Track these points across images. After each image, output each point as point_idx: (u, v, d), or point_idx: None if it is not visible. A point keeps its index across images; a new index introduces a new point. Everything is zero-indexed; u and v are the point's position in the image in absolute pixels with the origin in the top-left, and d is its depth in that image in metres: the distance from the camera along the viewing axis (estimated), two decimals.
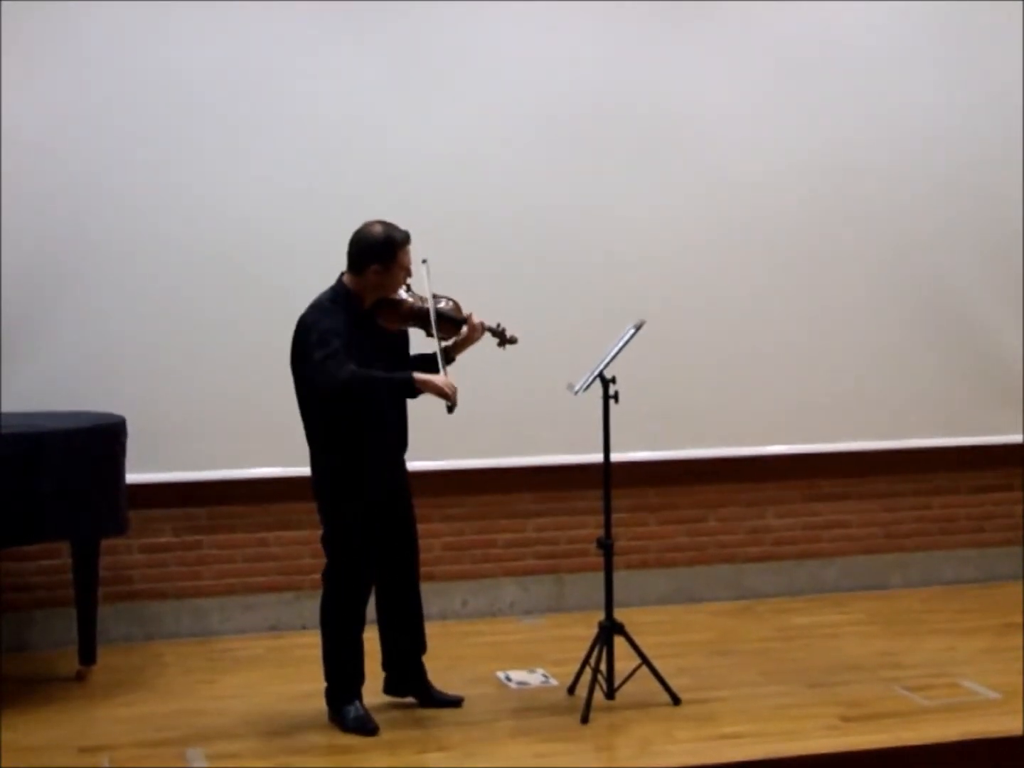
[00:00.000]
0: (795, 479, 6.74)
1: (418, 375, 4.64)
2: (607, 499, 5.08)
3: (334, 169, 6.05)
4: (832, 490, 6.81)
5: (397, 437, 4.88)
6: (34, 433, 5.04)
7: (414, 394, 4.74)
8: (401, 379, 4.65)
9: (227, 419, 5.96)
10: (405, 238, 4.72)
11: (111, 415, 5.50)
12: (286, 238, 6.00)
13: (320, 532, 4.86)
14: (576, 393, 4.96)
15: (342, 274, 4.80)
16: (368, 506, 4.76)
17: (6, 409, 5.56)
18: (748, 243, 6.51)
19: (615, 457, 5.10)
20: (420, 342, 4.95)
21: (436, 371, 4.71)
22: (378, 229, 4.71)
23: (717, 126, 6.47)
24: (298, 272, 5.97)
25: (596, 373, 4.97)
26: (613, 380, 4.98)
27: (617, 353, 5.02)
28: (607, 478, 5.07)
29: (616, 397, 4.98)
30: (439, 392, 4.61)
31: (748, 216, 6.50)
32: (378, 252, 4.68)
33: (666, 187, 6.41)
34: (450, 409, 4.62)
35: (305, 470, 5.95)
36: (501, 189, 6.21)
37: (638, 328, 5.10)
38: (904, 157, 6.68)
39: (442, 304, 4.83)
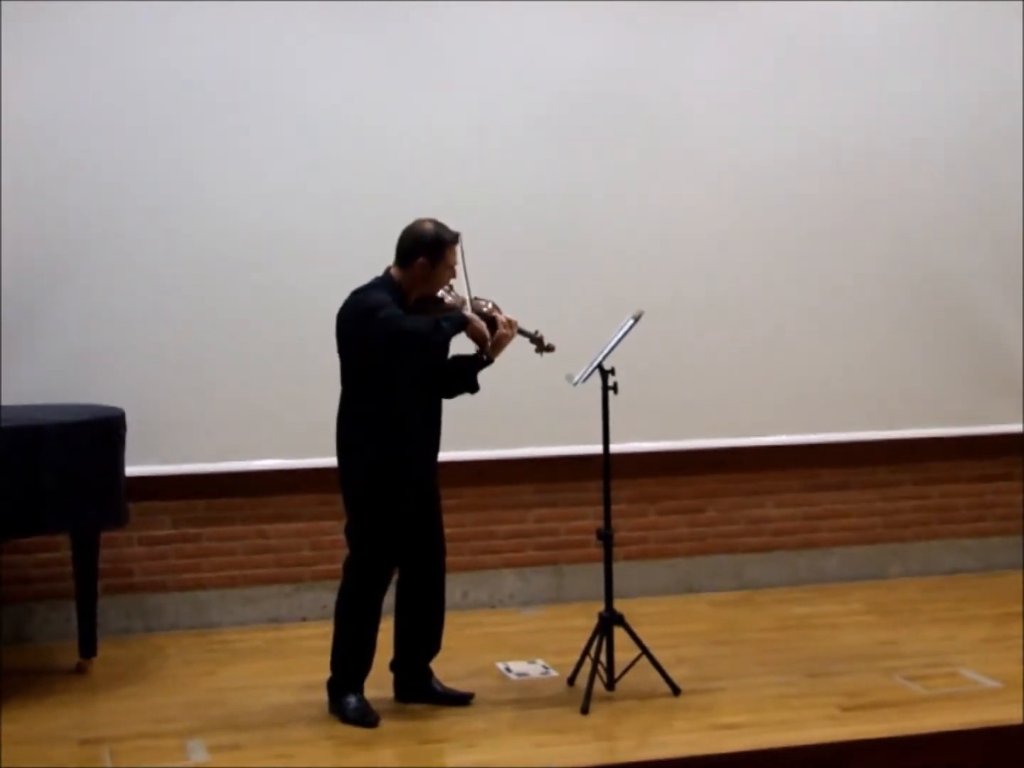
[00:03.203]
0: (795, 469, 6.74)
1: (469, 315, 4.74)
2: (607, 490, 5.09)
3: (334, 164, 6.04)
4: (832, 480, 6.81)
5: (429, 437, 4.90)
6: (34, 426, 5.04)
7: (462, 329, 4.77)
8: (457, 318, 4.69)
9: (226, 412, 5.96)
10: (454, 238, 4.80)
11: (110, 408, 5.50)
12: (286, 232, 6.00)
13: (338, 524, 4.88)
14: (575, 384, 4.96)
15: (388, 268, 4.85)
16: (394, 502, 4.77)
17: (6, 402, 5.57)
18: (748, 235, 6.51)
19: (614, 448, 5.10)
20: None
21: (474, 373, 4.82)
22: (429, 226, 4.80)
23: (717, 118, 6.46)
24: (298, 266, 6.01)
25: (595, 364, 4.97)
26: (612, 371, 4.98)
27: (616, 344, 5.02)
28: (607, 469, 5.07)
29: (615, 388, 4.98)
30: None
31: (748, 208, 6.50)
32: (427, 247, 4.75)
33: (663, 180, 6.41)
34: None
35: (304, 462, 6.03)
36: (502, 182, 6.20)
37: (637, 319, 5.10)
38: (904, 148, 6.68)
39: (481, 305, 4.88)
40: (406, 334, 4.60)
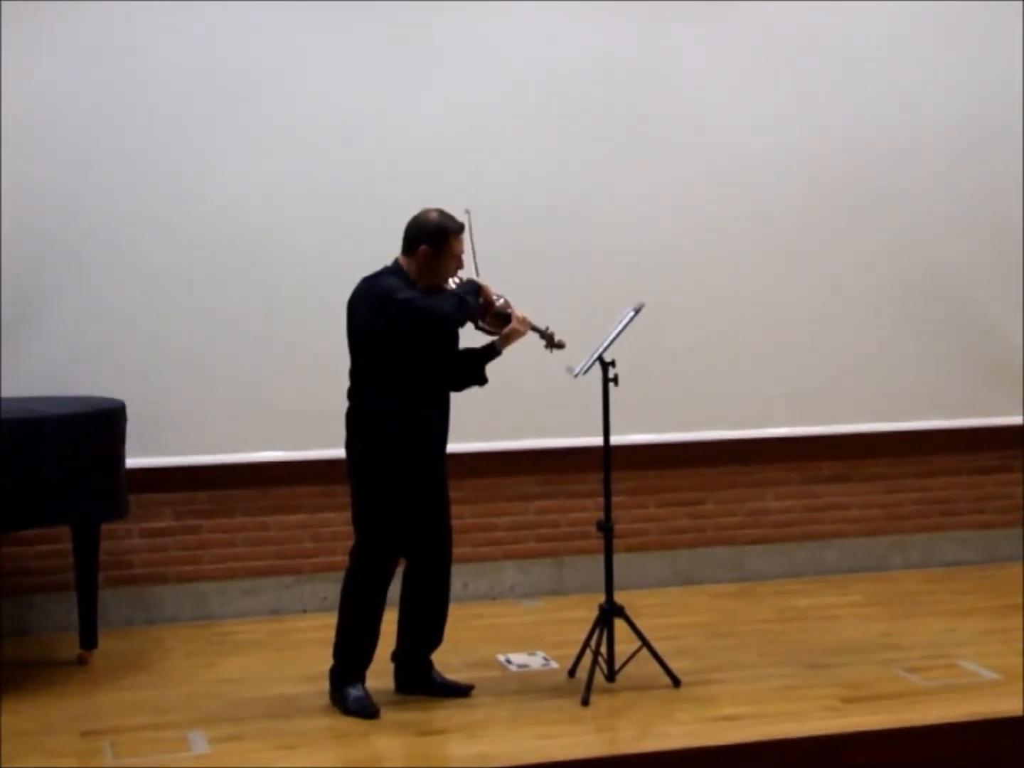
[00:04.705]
0: (795, 461, 6.75)
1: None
2: (607, 482, 5.09)
3: (335, 161, 6.04)
4: (832, 472, 6.82)
5: (438, 428, 4.90)
6: (34, 418, 5.04)
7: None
8: (470, 287, 4.78)
9: (227, 404, 5.97)
10: (459, 228, 4.80)
11: (111, 400, 5.50)
12: (286, 225, 6.01)
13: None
14: (576, 376, 4.96)
15: (397, 258, 4.85)
16: (402, 493, 4.78)
17: (6, 394, 5.57)
18: (749, 229, 6.51)
19: (615, 440, 5.10)
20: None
21: (483, 366, 4.88)
22: (434, 215, 4.80)
23: (717, 112, 6.46)
24: (298, 260, 6.02)
25: (596, 356, 4.98)
26: (613, 363, 4.98)
27: (617, 336, 5.02)
28: (607, 461, 5.08)
29: (616, 380, 4.98)
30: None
31: (749, 203, 6.50)
32: (430, 235, 4.75)
33: (664, 173, 6.40)
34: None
35: (305, 454, 6.04)
36: (503, 177, 6.19)
37: (637, 311, 5.10)
38: (905, 144, 6.68)
39: (494, 299, 4.87)
40: (425, 311, 4.62)
